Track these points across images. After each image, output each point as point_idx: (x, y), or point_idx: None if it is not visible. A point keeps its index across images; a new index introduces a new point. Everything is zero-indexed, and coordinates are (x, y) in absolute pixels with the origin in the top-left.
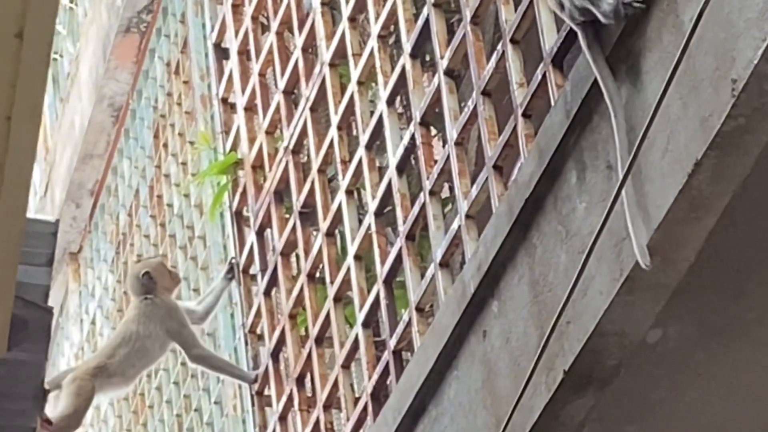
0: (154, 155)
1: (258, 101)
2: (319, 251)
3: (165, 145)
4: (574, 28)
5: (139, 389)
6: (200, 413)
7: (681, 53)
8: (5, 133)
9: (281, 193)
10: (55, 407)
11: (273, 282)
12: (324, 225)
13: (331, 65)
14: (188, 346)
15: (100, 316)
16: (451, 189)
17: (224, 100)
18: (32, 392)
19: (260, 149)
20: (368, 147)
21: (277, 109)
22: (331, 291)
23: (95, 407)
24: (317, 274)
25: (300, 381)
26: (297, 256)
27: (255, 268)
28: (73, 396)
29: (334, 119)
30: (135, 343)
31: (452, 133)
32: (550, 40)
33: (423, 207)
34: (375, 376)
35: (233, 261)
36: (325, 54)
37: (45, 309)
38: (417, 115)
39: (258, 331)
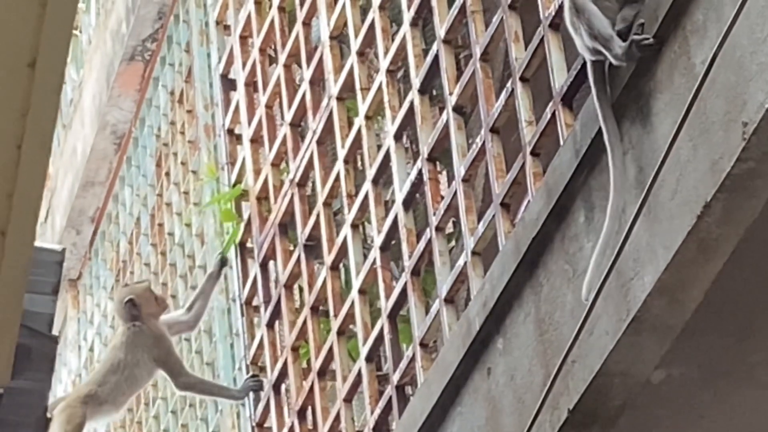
0: (156, 183)
1: (264, 133)
2: (324, 284)
3: (167, 174)
4: (587, 62)
5: (136, 417)
6: None
7: (693, 96)
8: (15, 161)
9: (286, 226)
10: None
11: (276, 314)
12: (329, 258)
13: (339, 99)
14: (175, 374)
15: (98, 344)
16: (455, 224)
17: (230, 132)
18: (35, 421)
19: (266, 181)
20: (375, 181)
21: (284, 142)
22: (335, 324)
23: None
24: (321, 307)
25: (301, 414)
26: (301, 288)
27: (258, 300)
28: (64, 424)
29: (341, 153)
30: (124, 371)
31: (460, 170)
32: (560, 78)
33: (429, 242)
34: (377, 411)
35: (223, 258)
36: (333, 87)
37: (49, 337)
38: (425, 150)
39: (260, 363)
